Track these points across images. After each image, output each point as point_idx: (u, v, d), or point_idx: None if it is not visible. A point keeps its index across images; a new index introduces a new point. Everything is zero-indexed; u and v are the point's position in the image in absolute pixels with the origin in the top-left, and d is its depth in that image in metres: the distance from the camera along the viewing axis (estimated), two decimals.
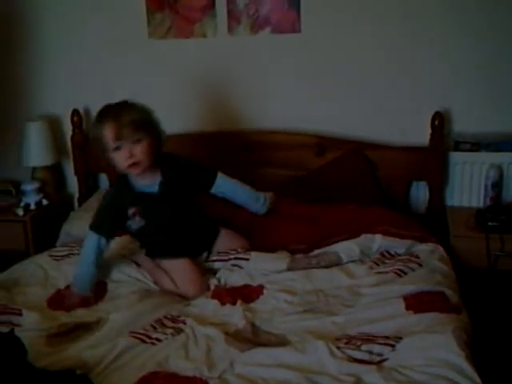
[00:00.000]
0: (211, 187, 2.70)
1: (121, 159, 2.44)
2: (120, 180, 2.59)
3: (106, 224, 2.57)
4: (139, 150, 2.43)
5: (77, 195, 3.58)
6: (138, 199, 2.56)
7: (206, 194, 2.72)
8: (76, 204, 3.60)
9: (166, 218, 2.61)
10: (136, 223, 2.58)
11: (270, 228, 2.85)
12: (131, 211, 2.55)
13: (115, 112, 2.46)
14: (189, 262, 2.59)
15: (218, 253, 2.71)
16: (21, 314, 2.32)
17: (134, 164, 2.44)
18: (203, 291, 2.50)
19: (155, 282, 2.60)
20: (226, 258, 2.67)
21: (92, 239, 2.54)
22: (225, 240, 2.74)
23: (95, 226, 2.55)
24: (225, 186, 2.72)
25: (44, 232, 3.31)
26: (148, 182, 2.55)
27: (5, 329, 2.18)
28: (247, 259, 2.65)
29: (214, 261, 2.69)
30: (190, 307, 2.38)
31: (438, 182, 3.12)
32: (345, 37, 3.17)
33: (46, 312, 2.39)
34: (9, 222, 3.32)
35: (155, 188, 2.56)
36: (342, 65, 3.21)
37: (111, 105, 2.52)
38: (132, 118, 2.43)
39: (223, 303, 2.37)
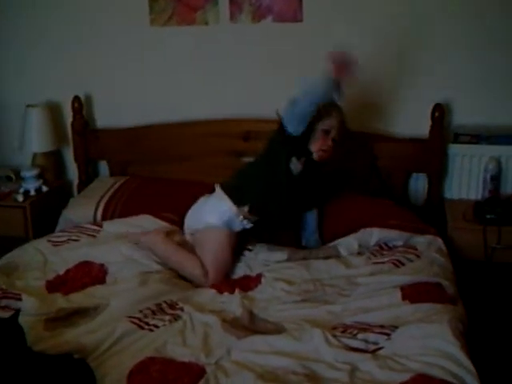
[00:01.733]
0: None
1: (321, 142, 2.68)
2: None
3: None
4: (332, 145, 2.70)
5: (76, 182, 3.58)
6: (308, 158, 2.70)
7: None
8: (75, 191, 3.60)
9: (303, 189, 2.74)
10: (296, 169, 2.68)
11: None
12: (302, 160, 2.68)
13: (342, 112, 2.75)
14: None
15: None
16: (20, 299, 2.34)
17: (325, 151, 2.68)
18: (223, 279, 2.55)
19: (172, 262, 2.62)
20: None
21: None
22: None
23: None
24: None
25: (43, 218, 3.32)
26: None
27: (5, 313, 2.20)
28: (250, 250, 2.69)
29: None
30: (188, 294, 2.40)
31: (437, 173, 3.13)
32: (346, 26, 3.16)
33: (45, 296, 2.40)
34: (9, 207, 3.32)
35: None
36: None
37: None
38: (344, 124, 2.75)
39: (221, 292, 2.39)
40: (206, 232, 2.66)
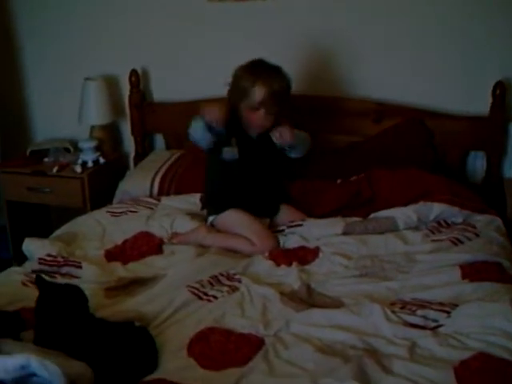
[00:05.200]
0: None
1: (252, 118, 2.66)
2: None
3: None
4: (270, 120, 2.67)
5: (133, 154, 3.63)
6: (243, 137, 2.70)
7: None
8: (132, 163, 3.65)
9: (256, 164, 2.75)
10: (231, 154, 2.69)
11: (323, 195, 2.86)
12: (235, 140, 2.68)
13: (270, 78, 2.63)
14: (255, 217, 2.69)
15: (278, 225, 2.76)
16: (80, 267, 2.39)
17: (262, 125, 2.67)
18: (275, 244, 2.58)
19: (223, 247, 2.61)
20: (283, 228, 2.72)
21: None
22: (285, 214, 2.79)
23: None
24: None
25: (100, 189, 3.38)
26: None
27: (66, 280, 2.26)
28: (301, 225, 2.68)
29: (273, 232, 2.71)
30: (245, 265, 2.41)
31: (497, 152, 3.08)
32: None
33: (105, 265, 2.46)
34: (67, 178, 3.39)
35: (254, 135, 2.74)
36: (408, 30, 3.15)
37: (268, 65, 2.69)
38: (281, 90, 2.63)
39: (278, 264, 2.40)
40: (219, 220, 2.73)
